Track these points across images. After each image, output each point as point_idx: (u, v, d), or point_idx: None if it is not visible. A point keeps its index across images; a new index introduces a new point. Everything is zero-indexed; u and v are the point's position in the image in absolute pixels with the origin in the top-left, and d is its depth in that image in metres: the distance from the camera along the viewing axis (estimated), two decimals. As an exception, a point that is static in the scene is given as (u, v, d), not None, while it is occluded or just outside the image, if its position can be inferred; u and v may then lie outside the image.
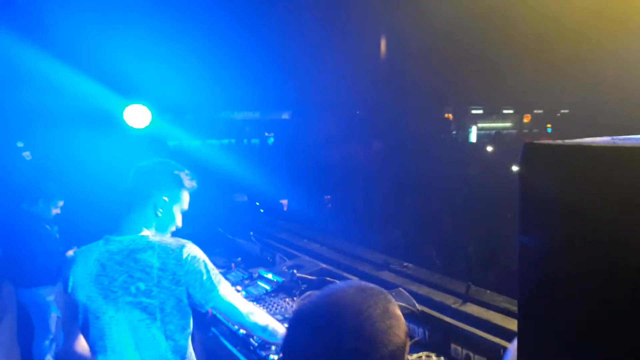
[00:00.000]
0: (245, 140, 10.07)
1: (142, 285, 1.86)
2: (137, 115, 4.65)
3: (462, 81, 10.03)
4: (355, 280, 0.79)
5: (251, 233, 4.16)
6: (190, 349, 2.04)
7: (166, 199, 2.02)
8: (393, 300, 0.94)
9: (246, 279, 3.63)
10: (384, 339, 0.87)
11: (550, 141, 0.91)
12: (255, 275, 3.64)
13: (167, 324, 1.90)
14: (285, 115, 10.51)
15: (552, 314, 0.91)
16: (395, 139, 9.26)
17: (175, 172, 2.06)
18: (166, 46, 6.21)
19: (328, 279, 3.35)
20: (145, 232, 1.98)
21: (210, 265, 1.97)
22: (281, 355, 0.94)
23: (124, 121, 4.67)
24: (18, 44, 4.64)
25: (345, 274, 3.42)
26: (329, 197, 7.78)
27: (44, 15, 5.05)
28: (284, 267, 3.69)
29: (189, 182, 2.08)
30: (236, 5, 7.31)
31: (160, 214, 2.00)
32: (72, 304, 1.94)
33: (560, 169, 0.87)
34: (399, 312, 0.93)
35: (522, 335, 0.99)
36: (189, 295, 1.91)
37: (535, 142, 0.92)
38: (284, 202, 6.95)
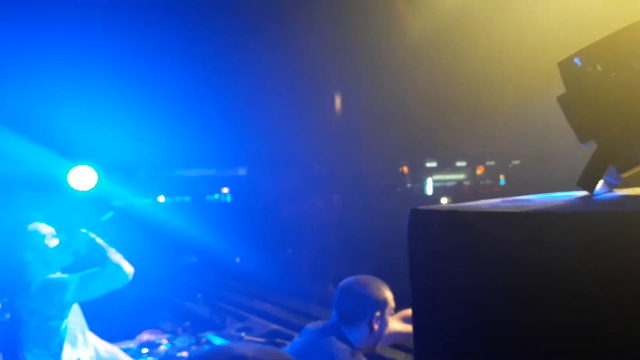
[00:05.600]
0: (200, 198, 9.97)
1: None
2: (82, 177, 4.54)
3: (416, 136, 10.34)
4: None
5: (199, 295, 4.03)
6: None
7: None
8: None
9: (193, 345, 3.49)
10: None
11: (433, 207, 0.94)
12: (203, 340, 3.51)
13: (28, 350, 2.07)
14: (242, 171, 10.48)
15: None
16: (353, 193, 9.34)
17: (29, 226, 2.28)
18: (114, 106, 6.15)
19: (278, 340, 3.27)
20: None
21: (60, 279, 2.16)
22: None
23: (68, 184, 4.55)
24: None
25: (297, 335, 3.36)
26: (288, 251, 7.70)
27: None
28: (233, 330, 3.60)
29: (38, 225, 2.29)
30: (188, 64, 7.39)
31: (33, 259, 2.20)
32: None
33: (441, 234, 0.90)
34: None
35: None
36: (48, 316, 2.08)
37: (420, 208, 0.95)
38: (238, 260, 6.82)
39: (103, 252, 2.25)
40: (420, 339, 0.94)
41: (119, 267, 2.20)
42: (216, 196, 10.56)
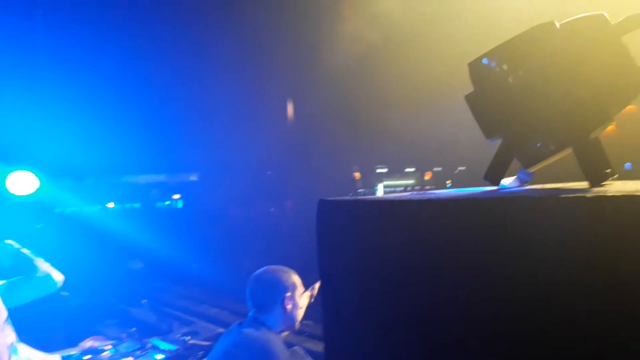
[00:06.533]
0: (150, 204, 9.79)
1: None
2: (21, 182, 4.39)
3: (368, 143, 10.56)
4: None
5: (144, 301, 4.00)
6: None
7: None
8: None
9: (138, 350, 3.47)
10: None
11: (339, 197, 1.01)
12: (149, 346, 3.49)
13: None
14: (194, 177, 10.36)
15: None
16: (306, 199, 9.41)
17: None
18: (61, 110, 5.98)
19: (223, 343, 3.29)
20: None
21: None
22: None
23: (6, 188, 4.39)
24: None
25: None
26: (239, 257, 7.67)
27: None
28: (179, 335, 3.60)
29: None
30: (138, 68, 7.28)
31: None
32: None
33: (346, 222, 0.97)
34: None
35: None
36: None
37: (327, 198, 1.02)
38: (189, 266, 6.74)
39: (30, 262, 2.20)
40: (327, 322, 1.00)
41: (47, 275, 2.17)
42: (167, 202, 10.39)
